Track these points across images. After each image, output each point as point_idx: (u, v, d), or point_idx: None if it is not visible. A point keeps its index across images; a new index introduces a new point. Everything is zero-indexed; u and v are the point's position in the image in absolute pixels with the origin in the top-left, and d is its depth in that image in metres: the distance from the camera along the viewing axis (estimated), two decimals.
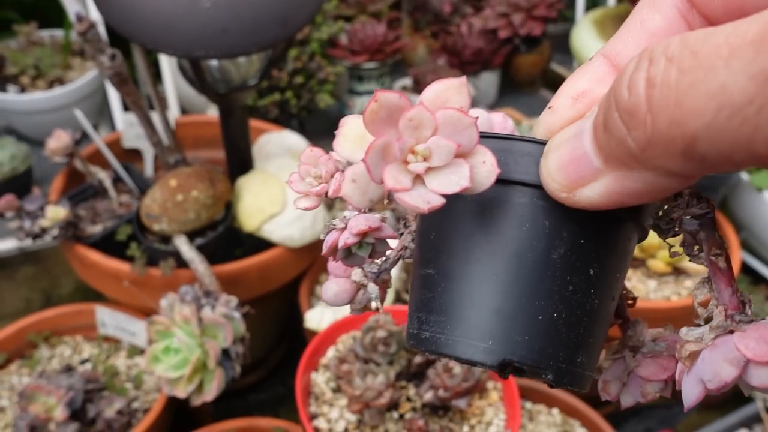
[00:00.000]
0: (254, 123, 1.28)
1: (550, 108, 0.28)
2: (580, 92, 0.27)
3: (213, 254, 1.01)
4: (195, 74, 0.96)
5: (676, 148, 0.20)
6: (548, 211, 0.27)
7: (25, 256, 1.45)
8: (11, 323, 1.10)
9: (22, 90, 1.54)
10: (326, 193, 0.29)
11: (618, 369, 0.32)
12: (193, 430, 0.99)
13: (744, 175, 1.29)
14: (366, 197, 0.26)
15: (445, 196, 0.25)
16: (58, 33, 1.68)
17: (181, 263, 0.98)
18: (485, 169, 0.25)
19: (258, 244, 1.07)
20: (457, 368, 0.79)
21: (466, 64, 1.73)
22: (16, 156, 1.36)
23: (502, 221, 0.27)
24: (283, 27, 0.87)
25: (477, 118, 0.25)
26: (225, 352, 0.88)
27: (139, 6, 0.83)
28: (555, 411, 1.06)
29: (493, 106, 1.81)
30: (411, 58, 1.80)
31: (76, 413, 0.91)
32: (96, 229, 1.05)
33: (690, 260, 0.29)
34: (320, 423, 0.81)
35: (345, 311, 1.00)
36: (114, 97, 1.47)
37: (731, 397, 1.24)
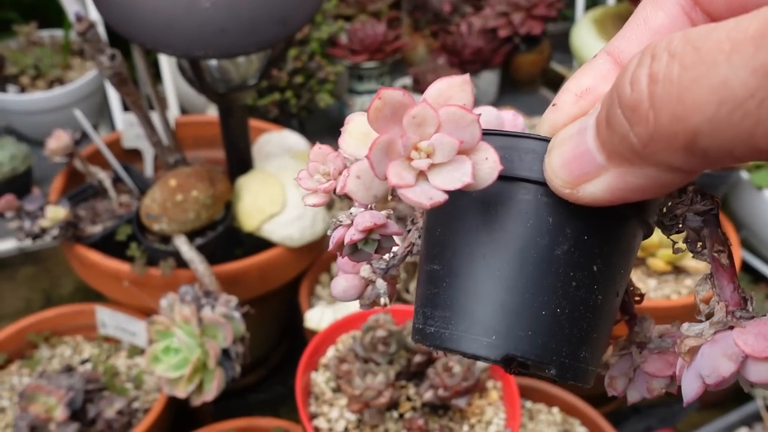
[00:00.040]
0: (254, 123, 1.28)
1: (554, 105, 0.28)
2: (584, 89, 0.28)
3: (213, 254, 1.01)
4: (194, 74, 0.96)
5: (678, 143, 0.20)
6: (552, 208, 0.27)
7: (25, 257, 1.46)
8: (11, 323, 1.10)
9: (22, 90, 1.54)
10: (334, 190, 0.29)
11: (625, 365, 0.33)
12: (193, 430, 0.99)
13: (744, 174, 1.29)
14: (370, 193, 0.27)
15: (448, 192, 0.25)
16: (58, 33, 1.68)
17: (181, 263, 0.98)
18: (488, 165, 0.25)
19: (258, 243, 1.07)
20: (457, 367, 0.79)
21: (465, 64, 1.73)
22: (16, 156, 1.36)
23: (506, 218, 0.27)
24: (283, 27, 0.87)
25: (479, 115, 0.25)
26: (225, 352, 0.88)
27: (138, 6, 0.83)
28: (555, 410, 1.06)
29: (493, 105, 1.80)
30: (411, 57, 1.80)
31: (77, 413, 0.91)
32: (96, 229, 1.05)
33: (693, 256, 0.30)
34: (320, 423, 0.81)
35: (345, 311, 1.00)
36: (114, 97, 1.47)
37: (732, 396, 1.24)
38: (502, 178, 0.26)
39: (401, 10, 1.87)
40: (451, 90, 0.26)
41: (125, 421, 0.94)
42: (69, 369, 0.97)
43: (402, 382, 0.85)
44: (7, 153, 1.35)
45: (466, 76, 0.26)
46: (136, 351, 1.09)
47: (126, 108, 1.44)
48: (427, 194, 0.25)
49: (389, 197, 0.27)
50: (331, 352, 0.89)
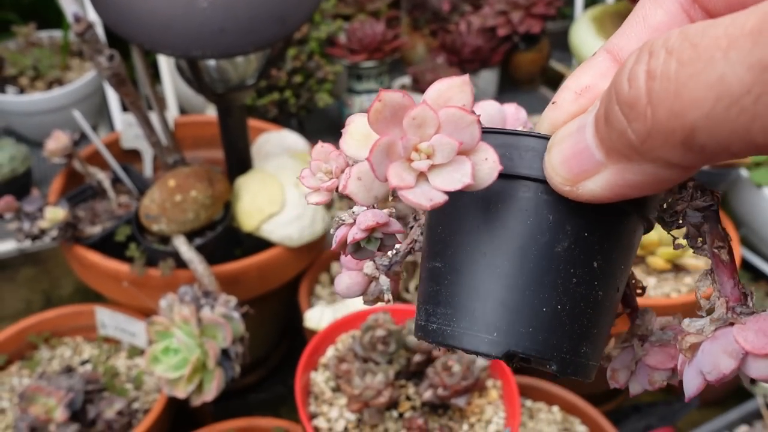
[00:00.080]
0: (253, 122, 1.28)
1: (553, 103, 0.29)
2: (584, 87, 0.28)
3: (212, 254, 1.01)
4: (193, 74, 0.96)
5: (676, 139, 0.21)
6: (552, 205, 0.27)
7: (25, 258, 1.46)
8: (11, 324, 1.10)
9: (21, 91, 1.54)
10: (337, 188, 0.29)
11: (626, 357, 0.33)
12: (193, 430, 0.99)
13: (744, 172, 1.29)
14: (371, 194, 0.27)
15: (448, 192, 0.25)
16: (57, 34, 1.68)
17: (181, 263, 0.98)
18: (487, 166, 0.26)
19: (257, 243, 1.07)
20: (456, 367, 0.79)
21: (465, 63, 1.73)
22: (16, 157, 1.36)
23: (506, 215, 0.27)
24: (281, 26, 0.87)
25: (479, 116, 0.25)
26: (224, 352, 0.88)
27: (136, 6, 0.83)
28: (555, 408, 1.06)
29: None
30: (410, 56, 1.80)
31: (77, 414, 0.91)
32: (95, 230, 1.05)
33: (693, 252, 0.30)
34: (320, 422, 0.81)
35: (344, 311, 1.00)
36: (113, 97, 1.47)
37: (732, 394, 1.24)
38: (503, 176, 0.26)
39: (400, 9, 1.87)
40: (451, 91, 0.26)
41: (125, 421, 0.94)
42: (69, 370, 0.97)
43: (401, 381, 0.84)
44: (6, 154, 1.35)
45: (466, 77, 0.26)
46: (135, 351, 1.09)
47: (125, 108, 1.43)
48: (428, 195, 0.25)
49: (390, 198, 0.28)
50: (330, 352, 0.89)
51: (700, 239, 0.29)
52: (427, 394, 0.80)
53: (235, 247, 1.12)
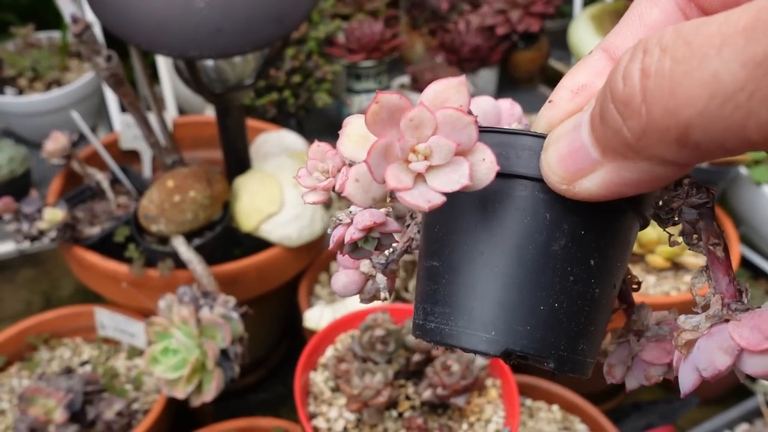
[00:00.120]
0: (252, 123, 1.28)
1: (550, 102, 0.29)
2: (580, 86, 0.28)
3: (211, 254, 1.01)
4: (191, 74, 0.96)
5: (671, 137, 0.21)
6: (549, 204, 0.27)
7: (24, 259, 1.46)
8: (11, 325, 1.10)
9: (20, 92, 1.54)
10: (333, 188, 0.29)
11: (622, 353, 0.33)
12: (193, 430, 0.99)
13: (743, 170, 1.29)
14: (369, 196, 0.27)
15: (446, 193, 0.25)
16: (56, 35, 1.68)
17: (180, 264, 0.98)
18: (485, 166, 0.26)
19: (256, 243, 1.07)
20: (456, 366, 0.79)
21: (464, 62, 1.72)
22: (15, 158, 1.36)
23: (504, 214, 0.28)
24: (279, 26, 0.87)
25: (476, 117, 0.25)
26: (224, 353, 0.88)
27: (132, 7, 0.83)
28: (555, 407, 1.06)
29: None
30: (409, 55, 1.80)
31: (76, 415, 0.91)
32: (94, 231, 1.05)
33: (689, 249, 0.30)
34: (319, 422, 0.81)
35: (344, 310, 1.00)
36: (111, 98, 1.47)
37: (732, 392, 1.24)
38: (500, 175, 0.26)
39: (399, 8, 1.87)
40: (448, 92, 0.26)
41: (125, 422, 0.94)
42: (68, 371, 0.97)
43: (401, 381, 0.84)
44: (5, 155, 1.35)
45: (462, 78, 0.26)
46: (135, 352, 1.09)
47: (124, 109, 1.43)
48: (426, 197, 0.25)
49: (388, 199, 0.28)
50: (329, 352, 0.89)
51: (695, 236, 0.29)
52: (427, 394, 0.80)
53: (234, 247, 1.12)
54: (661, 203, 0.30)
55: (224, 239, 1.06)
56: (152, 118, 1.08)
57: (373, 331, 0.81)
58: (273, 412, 1.20)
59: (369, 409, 0.79)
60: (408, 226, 0.34)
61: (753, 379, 0.27)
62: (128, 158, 1.26)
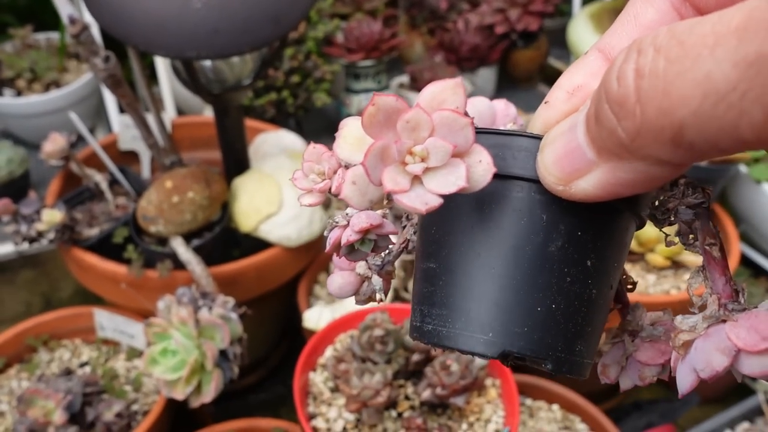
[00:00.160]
0: (251, 123, 1.28)
1: (546, 102, 0.29)
2: (576, 86, 0.28)
3: (210, 255, 1.01)
4: (188, 75, 0.96)
5: (665, 137, 0.21)
6: (546, 205, 0.27)
7: (24, 260, 1.46)
8: (11, 327, 1.10)
9: (19, 93, 1.54)
10: (329, 189, 0.29)
11: (617, 353, 0.33)
12: (193, 431, 0.99)
13: (743, 168, 1.29)
14: (365, 198, 0.27)
15: (442, 196, 0.25)
16: (54, 36, 1.68)
17: (178, 265, 0.98)
18: (481, 168, 0.26)
19: (255, 244, 1.07)
20: (455, 366, 0.79)
21: (463, 61, 1.72)
22: (13, 160, 1.36)
23: (500, 215, 0.28)
24: (276, 26, 0.86)
25: (473, 118, 0.25)
26: (223, 353, 0.88)
27: (129, 7, 0.82)
28: (555, 407, 1.06)
29: None
30: (408, 55, 1.80)
31: (75, 417, 0.91)
32: (93, 232, 1.05)
33: (685, 249, 0.30)
34: (318, 423, 0.81)
35: (343, 311, 1.00)
36: (110, 99, 1.47)
37: (733, 391, 1.24)
38: (496, 176, 0.26)
39: (398, 7, 1.87)
40: (444, 93, 0.26)
41: (124, 423, 0.94)
42: (68, 372, 0.97)
43: (400, 381, 0.84)
44: (4, 157, 1.35)
45: (459, 79, 0.26)
46: (134, 353, 1.09)
47: (122, 110, 1.43)
48: (423, 199, 0.25)
49: (385, 201, 0.28)
50: (329, 352, 0.89)
51: (691, 236, 0.29)
52: (426, 394, 0.80)
53: (233, 247, 1.12)
54: (657, 203, 0.30)
55: (223, 240, 1.06)
56: (151, 118, 1.07)
57: (372, 331, 0.81)
58: (273, 413, 1.20)
59: (368, 409, 0.79)
60: (404, 227, 0.34)
61: (754, 378, 0.27)
62: (127, 159, 1.26)
